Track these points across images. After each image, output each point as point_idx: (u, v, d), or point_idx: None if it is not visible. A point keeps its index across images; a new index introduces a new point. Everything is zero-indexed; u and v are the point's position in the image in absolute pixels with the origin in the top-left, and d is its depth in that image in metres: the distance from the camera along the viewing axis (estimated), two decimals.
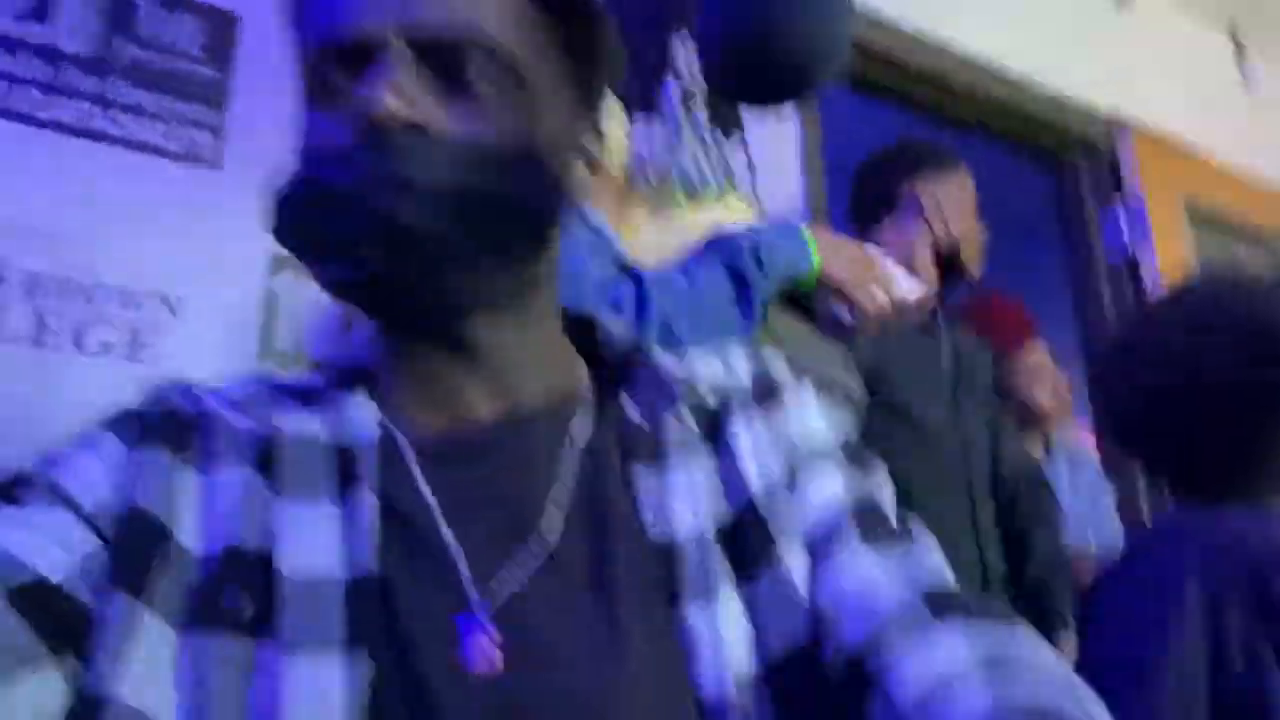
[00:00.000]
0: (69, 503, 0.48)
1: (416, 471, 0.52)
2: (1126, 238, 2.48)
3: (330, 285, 0.51)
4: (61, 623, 0.44)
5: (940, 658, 0.47)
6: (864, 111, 2.18)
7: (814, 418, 0.61)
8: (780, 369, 0.63)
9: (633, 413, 0.57)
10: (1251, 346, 0.96)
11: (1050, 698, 0.43)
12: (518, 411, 0.55)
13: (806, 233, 0.97)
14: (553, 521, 0.52)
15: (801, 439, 0.58)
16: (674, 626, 0.50)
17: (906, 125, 2.16)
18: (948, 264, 1.66)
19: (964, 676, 0.45)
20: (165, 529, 0.48)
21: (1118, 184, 2.52)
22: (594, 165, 0.59)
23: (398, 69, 0.49)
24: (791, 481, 0.56)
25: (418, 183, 0.47)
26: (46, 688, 0.43)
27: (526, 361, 0.56)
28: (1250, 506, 0.98)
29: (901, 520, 0.57)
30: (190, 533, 0.49)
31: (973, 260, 1.68)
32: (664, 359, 0.62)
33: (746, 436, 0.57)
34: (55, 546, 0.46)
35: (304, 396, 0.56)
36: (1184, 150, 2.65)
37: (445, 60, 0.50)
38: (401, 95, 0.48)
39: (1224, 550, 0.90)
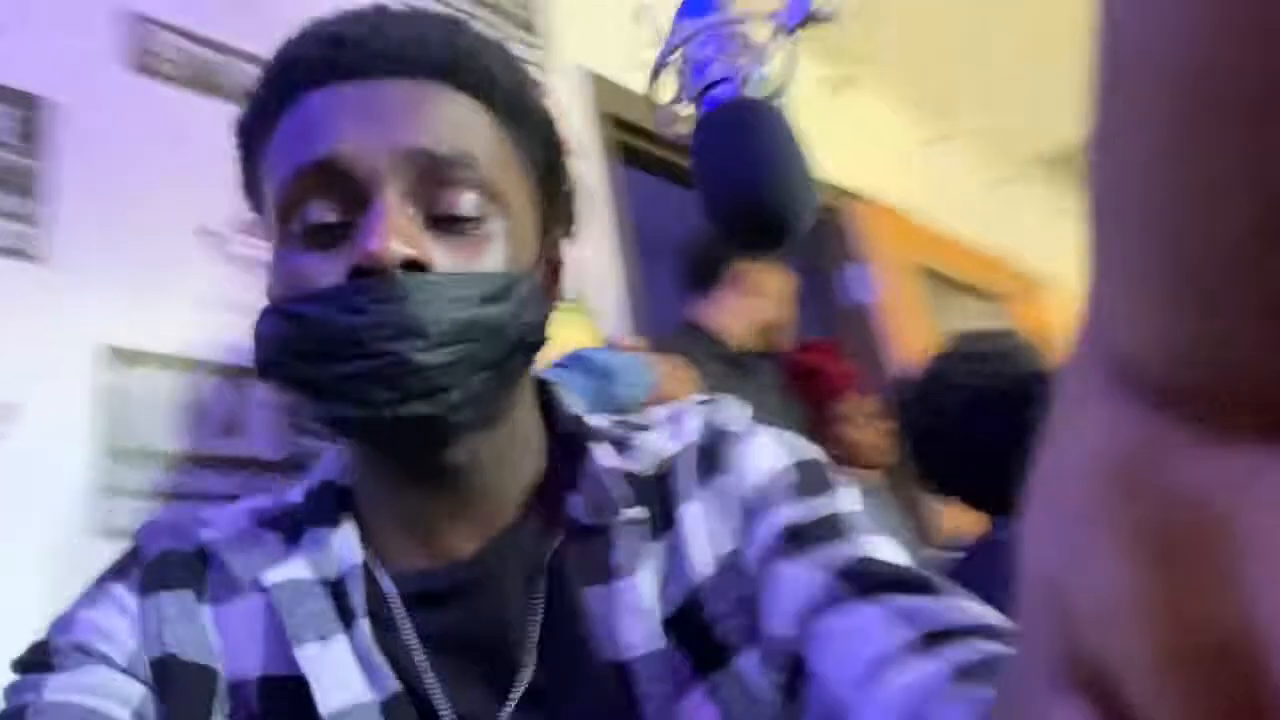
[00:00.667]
0: (105, 659, 0.50)
1: (400, 613, 0.53)
2: (859, 295, 2.79)
3: (336, 423, 0.51)
4: None
5: (866, 634, 0.44)
6: (668, 192, 2.27)
7: (763, 459, 0.56)
8: (728, 418, 0.60)
9: (579, 514, 0.55)
10: (1012, 392, 1.20)
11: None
12: (496, 544, 0.55)
13: (643, 357, 1.11)
14: (529, 655, 0.52)
15: (753, 490, 0.55)
16: None
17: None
18: (762, 339, 1.84)
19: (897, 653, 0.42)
20: (210, 670, 0.51)
21: (851, 248, 2.83)
22: (559, 273, 0.60)
23: (395, 206, 0.50)
24: (747, 540, 0.54)
25: (424, 324, 0.48)
26: None
27: (505, 483, 0.56)
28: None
29: (862, 526, 0.53)
30: (229, 666, 0.52)
31: (785, 336, 1.86)
32: (610, 432, 0.60)
33: (695, 517, 0.55)
34: (112, 700, 0.48)
35: (287, 529, 0.57)
36: (915, 220, 3.03)
37: (436, 192, 0.51)
38: (401, 235, 0.49)
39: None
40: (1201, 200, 0.09)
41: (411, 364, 0.48)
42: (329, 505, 0.56)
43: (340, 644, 0.52)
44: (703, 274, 1.80)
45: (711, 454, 0.57)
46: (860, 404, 1.99)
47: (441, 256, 0.50)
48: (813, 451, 0.58)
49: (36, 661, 0.51)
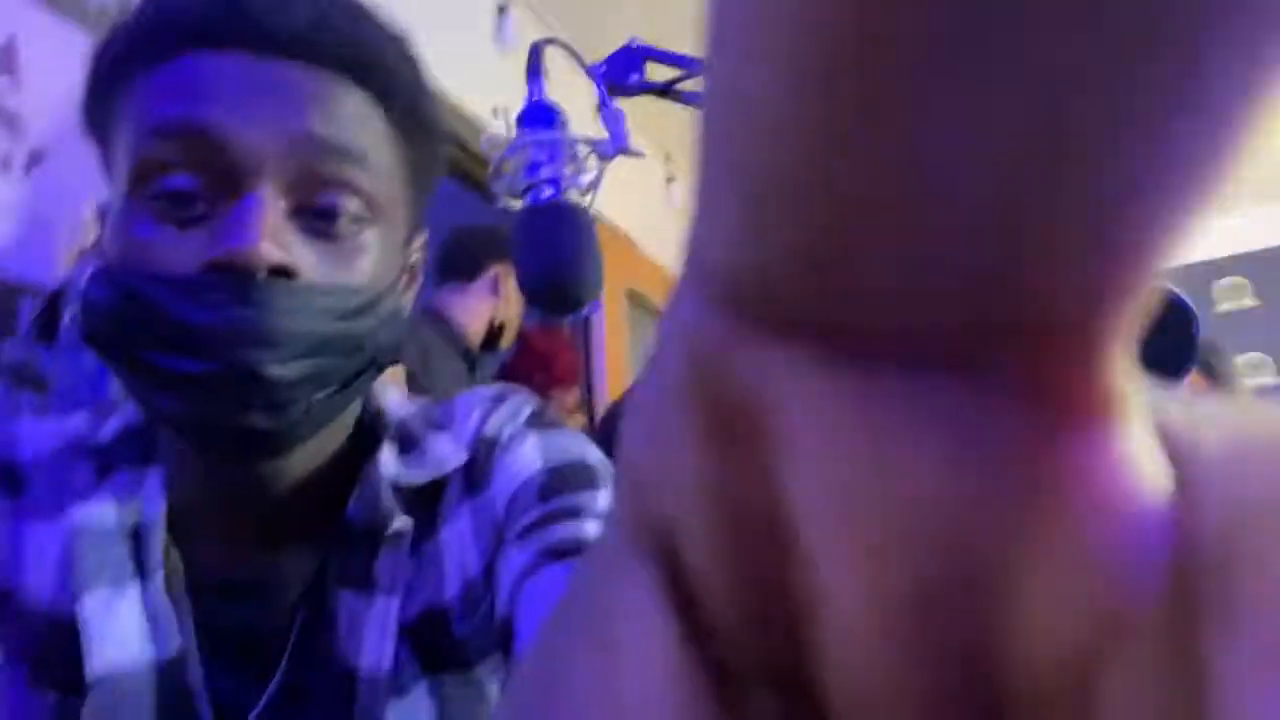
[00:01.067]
0: None
1: (186, 600, 0.52)
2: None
3: (164, 418, 0.48)
4: None
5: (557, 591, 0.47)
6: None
7: (520, 473, 0.55)
8: (503, 421, 0.59)
9: (355, 515, 0.53)
10: None
11: None
12: (291, 542, 0.54)
13: None
14: (285, 655, 0.53)
15: (506, 506, 0.54)
16: None
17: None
18: (491, 337, 1.96)
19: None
20: (3, 587, 0.51)
21: None
22: (415, 281, 0.58)
23: (270, 200, 0.46)
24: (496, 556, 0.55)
25: (281, 336, 0.45)
26: None
27: (310, 489, 0.53)
28: None
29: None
30: (32, 588, 0.51)
31: (509, 339, 1.99)
32: (407, 427, 0.59)
33: (455, 537, 0.55)
34: None
35: (98, 464, 0.54)
36: (630, 246, 3.08)
37: (317, 190, 0.48)
38: (274, 237, 0.45)
39: None
40: (758, 127, 0.10)
41: (261, 376, 0.44)
42: (137, 454, 0.54)
43: (130, 595, 0.50)
44: (460, 268, 1.86)
45: (475, 468, 0.56)
46: (570, 395, 2.17)
47: (309, 262, 0.47)
48: (575, 453, 0.56)
49: None
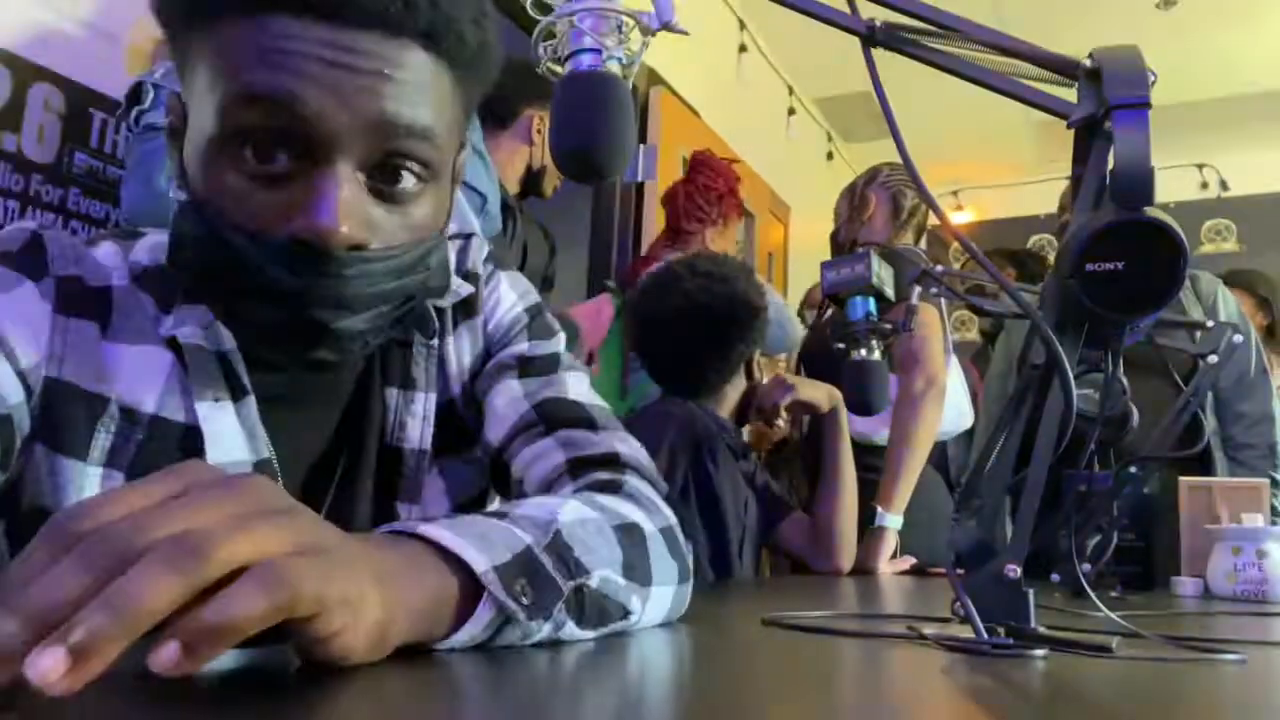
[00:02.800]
0: (7, 354, 0.55)
1: (246, 380, 0.60)
2: (640, 172, 2.95)
3: (238, 331, 0.59)
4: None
5: (541, 459, 0.66)
6: None
7: (503, 303, 0.72)
8: (476, 260, 0.72)
9: (395, 331, 0.63)
10: (708, 312, 1.52)
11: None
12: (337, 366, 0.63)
13: None
14: (336, 422, 0.66)
15: (496, 329, 0.71)
16: (400, 513, 0.66)
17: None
18: (531, 182, 1.95)
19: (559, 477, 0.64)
20: (95, 395, 0.58)
21: (643, 127, 2.97)
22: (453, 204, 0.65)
23: (348, 178, 0.52)
24: (484, 364, 0.71)
25: (352, 299, 0.54)
26: None
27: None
28: (699, 401, 1.55)
29: (565, 365, 0.71)
30: (119, 394, 0.58)
31: (551, 184, 1.98)
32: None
33: (456, 349, 0.70)
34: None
35: (159, 293, 0.61)
36: (692, 114, 3.19)
37: (387, 162, 0.54)
38: (352, 218, 0.51)
39: (683, 424, 1.45)
40: None
41: (331, 329, 0.54)
42: (202, 291, 0.59)
43: (229, 409, 0.59)
44: (494, 113, 1.82)
45: (466, 300, 0.70)
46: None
47: (376, 223, 0.54)
48: (534, 296, 0.75)
49: None
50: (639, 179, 2.92)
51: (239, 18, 0.51)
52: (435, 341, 0.69)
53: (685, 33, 0.64)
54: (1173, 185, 4.45)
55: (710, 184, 2.28)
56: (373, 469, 0.65)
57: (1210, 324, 1.24)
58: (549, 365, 0.71)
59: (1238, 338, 1.22)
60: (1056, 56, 0.63)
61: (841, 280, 1.14)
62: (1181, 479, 1.50)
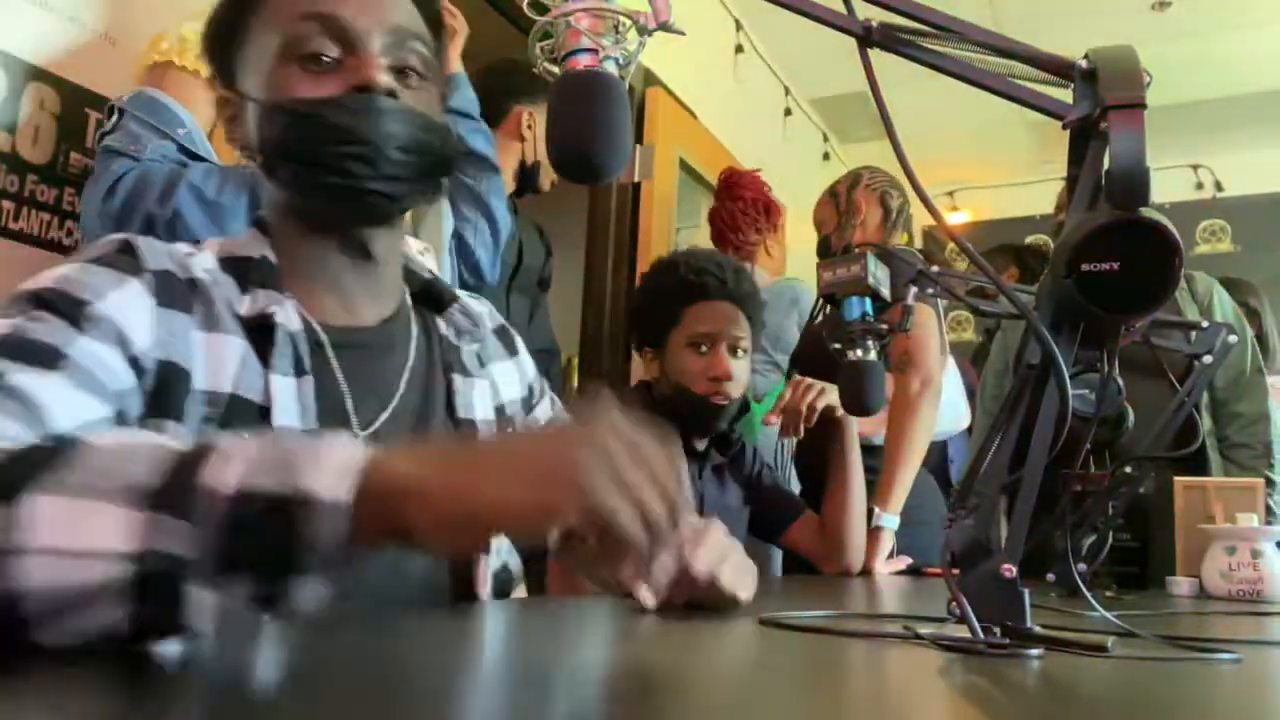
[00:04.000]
0: (121, 342, 0.64)
1: (331, 356, 0.74)
2: (637, 173, 2.95)
3: (320, 189, 0.72)
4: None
5: None
6: None
7: (528, 360, 0.95)
8: (500, 319, 0.94)
9: (448, 333, 0.85)
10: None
11: None
12: (391, 321, 0.80)
13: None
14: (398, 398, 0.77)
15: (529, 372, 0.94)
16: None
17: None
18: (526, 178, 1.96)
19: None
20: (190, 376, 0.67)
21: (640, 127, 2.97)
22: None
23: (377, 55, 0.72)
24: (529, 400, 0.92)
25: (396, 132, 0.71)
26: None
27: (394, 277, 0.81)
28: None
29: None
30: (202, 378, 0.67)
31: (548, 179, 1.98)
32: (466, 297, 0.88)
33: (499, 369, 0.89)
34: (113, 381, 0.62)
35: (238, 277, 0.73)
36: (689, 114, 3.19)
37: (401, 55, 0.75)
38: (386, 73, 0.72)
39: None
40: None
41: (385, 155, 0.71)
42: (268, 274, 0.73)
43: (292, 383, 0.70)
44: (484, 114, 1.87)
45: (506, 338, 0.92)
46: None
47: (405, 98, 0.73)
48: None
49: (63, 309, 0.62)
50: (635, 179, 2.92)
51: None
52: (476, 347, 0.87)
53: (682, 33, 0.64)
54: (1168, 186, 4.45)
55: (756, 196, 2.51)
56: (450, 436, 0.79)
57: (1206, 324, 1.24)
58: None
59: (1233, 338, 1.22)
60: (1052, 57, 0.63)
61: (838, 280, 1.14)
62: (1177, 479, 1.50)
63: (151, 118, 1.25)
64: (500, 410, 0.87)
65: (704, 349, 1.52)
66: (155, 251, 0.70)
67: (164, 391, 0.65)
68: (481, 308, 0.90)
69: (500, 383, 0.88)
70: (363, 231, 0.75)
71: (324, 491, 0.42)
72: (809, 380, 1.54)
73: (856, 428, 1.57)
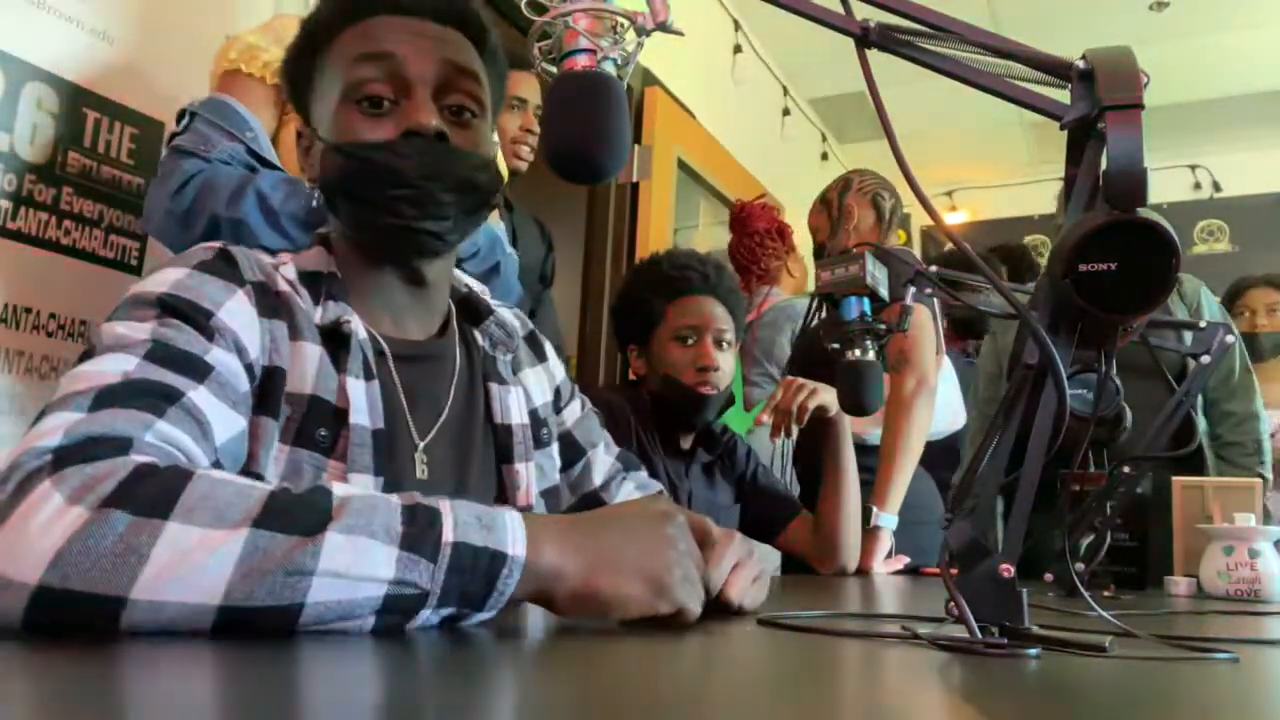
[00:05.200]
0: (239, 352, 0.70)
1: (391, 366, 0.81)
2: (635, 173, 2.95)
3: (375, 229, 0.78)
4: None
5: (629, 490, 1.03)
6: None
7: (557, 364, 1.01)
8: (530, 325, 1.00)
9: (485, 345, 0.91)
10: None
11: None
12: (439, 338, 0.87)
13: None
14: (448, 406, 0.85)
15: (558, 375, 1.01)
16: (503, 473, 0.88)
17: None
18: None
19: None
20: (286, 377, 0.74)
21: (638, 127, 2.97)
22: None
23: (428, 99, 0.78)
24: (556, 403, 1.00)
25: (445, 174, 0.76)
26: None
27: (443, 298, 0.88)
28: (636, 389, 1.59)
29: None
30: (290, 381, 0.74)
31: (513, 160, 1.97)
32: (498, 308, 0.94)
33: (529, 375, 0.97)
34: (236, 388, 0.69)
35: (311, 291, 0.79)
36: (687, 115, 3.19)
37: (451, 95, 0.80)
38: (437, 117, 0.77)
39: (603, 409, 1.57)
40: None
41: (434, 197, 0.76)
42: (336, 289, 0.80)
43: (363, 386, 0.77)
44: None
45: (536, 344, 1.00)
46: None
47: (453, 136, 0.78)
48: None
49: (194, 318, 0.67)
50: (634, 179, 2.93)
51: (354, 25, 0.80)
52: (510, 357, 0.93)
53: (680, 33, 0.64)
54: (1165, 186, 4.46)
55: (768, 226, 2.62)
56: (491, 440, 0.88)
57: (1203, 324, 1.24)
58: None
59: (1230, 338, 1.22)
60: (1050, 58, 0.63)
61: (836, 280, 1.14)
62: (1175, 479, 1.50)
63: (222, 120, 1.27)
64: (534, 414, 0.94)
65: (690, 341, 1.53)
66: (250, 262, 0.75)
67: (267, 394, 0.72)
68: (514, 319, 0.96)
69: (531, 389, 0.95)
70: (416, 262, 0.81)
71: (514, 550, 0.55)
72: (801, 380, 1.54)
73: (850, 427, 1.57)
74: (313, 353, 0.75)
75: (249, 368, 0.70)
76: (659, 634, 0.57)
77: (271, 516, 0.51)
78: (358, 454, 0.74)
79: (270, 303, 0.75)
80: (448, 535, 0.53)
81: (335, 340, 0.77)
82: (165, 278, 0.70)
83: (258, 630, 0.49)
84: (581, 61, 0.63)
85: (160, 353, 0.63)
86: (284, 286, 0.77)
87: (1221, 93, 4.08)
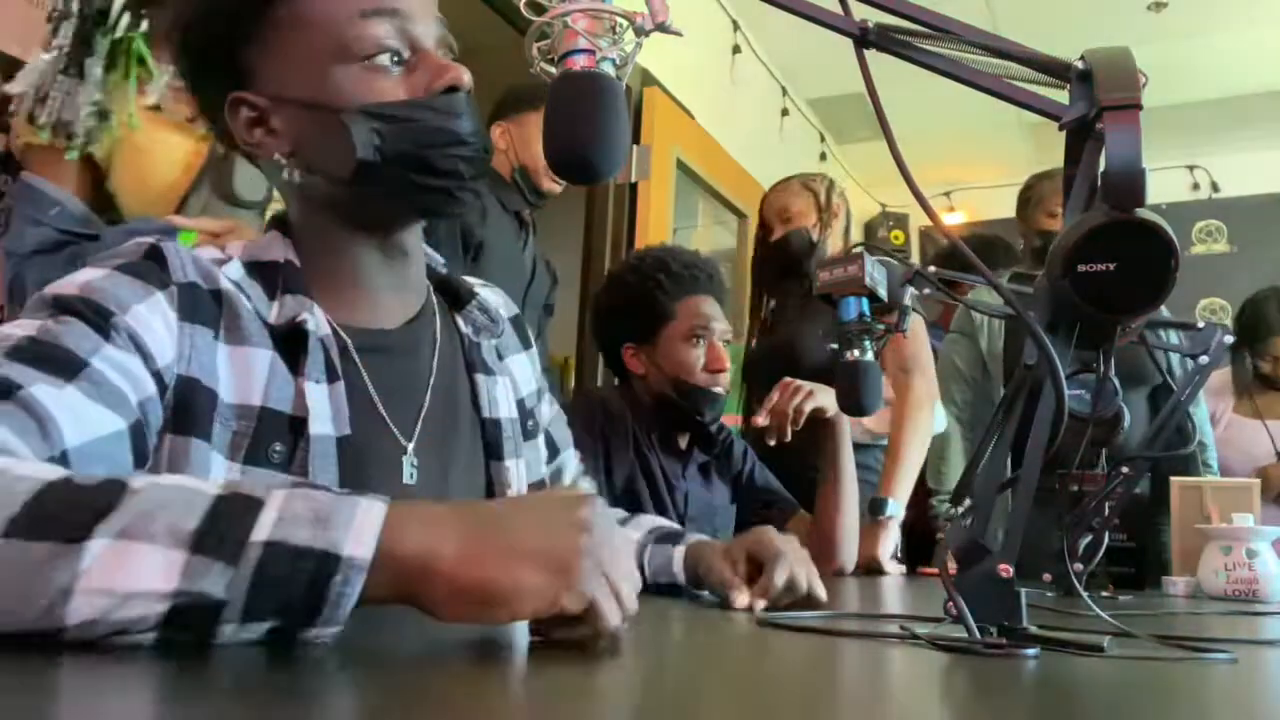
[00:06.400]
0: (144, 354, 0.63)
1: (357, 361, 0.74)
2: (634, 173, 2.95)
3: (424, 189, 0.72)
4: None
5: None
6: None
7: (535, 352, 0.95)
8: (515, 307, 0.94)
9: (468, 331, 0.84)
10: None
11: None
12: (415, 323, 0.79)
13: None
14: (428, 400, 0.78)
15: (539, 362, 0.95)
16: (492, 470, 0.82)
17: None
18: (523, 186, 2.01)
19: None
20: (215, 392, 0.67)
21: (637, 127, 2.97)
22: None
23: (438, 51, 0.74)
24: (540, 390, 0.94)
25: (479, 129, 0.74)
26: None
27: (418, 274, 0.81)
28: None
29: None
30: (230, 392, 0.67)
31: (547, 181, 2.01)
32: (480, 289, 0.87)
33: (515, 361, 0.90)
34: (136, 391, 0.62)
35: (265, 286, 0.72)
36: (686, 115, 3.19)
37: (448, 48, 0.76)
38: (466, 71, 0.73)
39: (590, 409, 1.54)
40: None
41: (479, 153, 0.73)
42: (293, 279, 0.73)
43: (325, 390, 0.70)
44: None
45: (520, 328, 0.93)
46: None
47: None
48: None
49: (89, 317, 0.62)
50: (632, 179, 2.92)
51: None
52: (495, 341, 0.87)
53: (679, 34, 0.64)
54: (1164, 186, 4.46)
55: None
56: (479, 434, 0.82)
57: (1201, 324, 1.24)
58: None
59: (1228, 338, 1.22)
60: (1048, 58, 0.63)
61: (835, 280, 1.14)
62: (1173, 479, 1.51)
63: (29, 207, 1.27)
64: (521, 404, 0.88)
65: (700, 341, 1.53)
66: (183, 261, 0.69)
67: (185, 408, 0.65)
68: (497, 298, 0.90)
69: (518, 377, 0.89)
70: (407, 228, 0.77)
71: (349, 550, 0.45)
72: (798, 382, 1.54)
73: (849, 428, 1.57)
74: (261, 358, 0.69)
75: (156, 375, 0.64)
76: (657, 636, 0.57)
77: (32, 520, 0.43)
78: (320, 466, 0.68)
79: (200, 306, 0.68)
80: (258, 534, 0.44)
81: (292, 340, 0.70)
82: (78, 278, 0.65)
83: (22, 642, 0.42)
84: (580, 62, 0.63)
85: (28, 350, 0.58)
86: (225, 285, 0.70)
87: (1220, 93, 4.09)
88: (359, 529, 0.45)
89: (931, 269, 1.16)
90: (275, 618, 0.44)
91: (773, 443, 1.55)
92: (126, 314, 0.63)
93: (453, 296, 0.85)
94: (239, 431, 0.67)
